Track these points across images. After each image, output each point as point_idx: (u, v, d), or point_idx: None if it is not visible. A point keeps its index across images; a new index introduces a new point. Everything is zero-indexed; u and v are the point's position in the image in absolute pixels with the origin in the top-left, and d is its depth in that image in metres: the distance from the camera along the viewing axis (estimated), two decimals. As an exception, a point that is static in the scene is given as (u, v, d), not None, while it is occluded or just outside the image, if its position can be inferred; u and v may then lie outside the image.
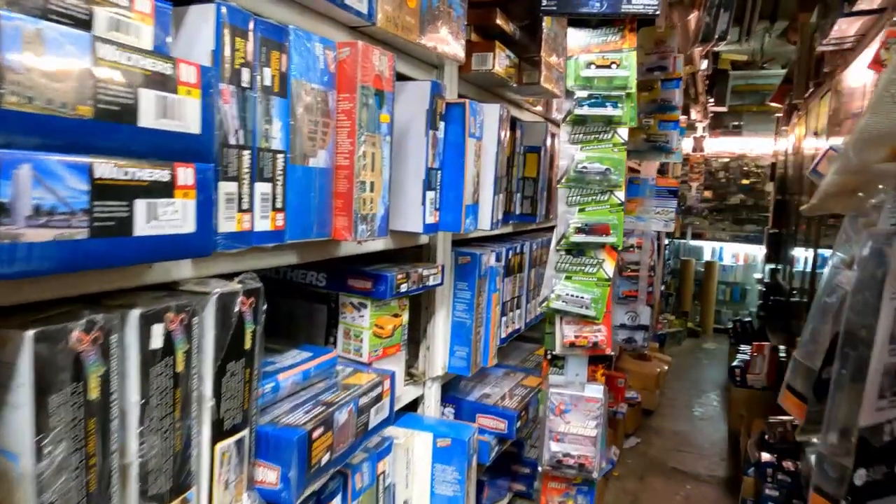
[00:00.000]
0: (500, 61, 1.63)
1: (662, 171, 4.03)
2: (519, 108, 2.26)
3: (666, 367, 5.75)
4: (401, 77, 1.32)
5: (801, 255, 5.44)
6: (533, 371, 2.16)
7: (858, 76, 3.81)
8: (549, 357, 1.66)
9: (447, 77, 1.54)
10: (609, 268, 1.56)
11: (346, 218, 1.06)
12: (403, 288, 1.34)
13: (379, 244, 1.30)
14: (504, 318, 1.99)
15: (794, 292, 5.56)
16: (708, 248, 8.83)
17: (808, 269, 4.58)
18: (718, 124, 8.66)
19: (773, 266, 7.12)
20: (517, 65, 1.79)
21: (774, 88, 7.98)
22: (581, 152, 1.54)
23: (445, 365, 1.70)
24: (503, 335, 2.00)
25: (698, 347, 7.76)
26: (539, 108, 2.47)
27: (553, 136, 2.37)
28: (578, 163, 1.53)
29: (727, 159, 8.75)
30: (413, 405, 1.67)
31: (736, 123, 8.58)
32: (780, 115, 7.43)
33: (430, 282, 1.47)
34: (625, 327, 3.13)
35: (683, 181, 8.27)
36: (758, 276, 7.97)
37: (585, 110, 1.51)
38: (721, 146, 8.67)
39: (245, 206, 0.85)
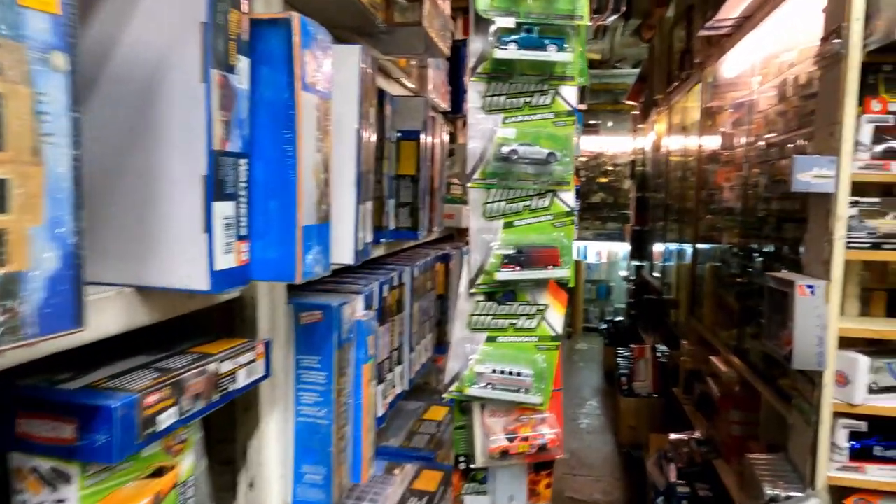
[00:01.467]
0: (356, -30, 0.95)
1: None
2: (386, 77, 1.59)
3: (549, 379, 5.41)
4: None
5: (670, 250, 5.37)
6: (429, 458, 1.48)
7: (737, 63, 3.66)
8: (462, 467, 1.00)
9: (257, -18, 0.82)
10: (556, 319, 0.94)
11: None
12: (166, 420, 0.60)
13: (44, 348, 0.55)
14: (381, 386, 1.30)
15: (666, 288, 5.49)
16: (573, 247, 8.79)
17: (685, 263, 4.44)
18: (577, 123, 8.64)
19: (638, 263, 7.15)
20: (385, -9, 1.11)
21: (628, 87, 8.12)
22: (505, 127, 0.90)
23: (287, 507, 0.98)
24: (381, 412, 1.30)
25: (572, 349, 7.62)
26: (412, 85, 1.81)
27: (433, 119, 1.72)
28: (502, 144, 0.89)
29: (586, 158, 8.78)
30: None
31: (593, 122, 8.62)
32: (636, 112, 7.52)
33: (241, 381, 0.74)
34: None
35: (547, 181, 8.11)
36: (623, 273, 8.03)
37: (512, 52, 0.87)
38: (581, 145, 8.67)
39: None
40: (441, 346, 1.86)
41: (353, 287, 1.17)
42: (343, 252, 0.94)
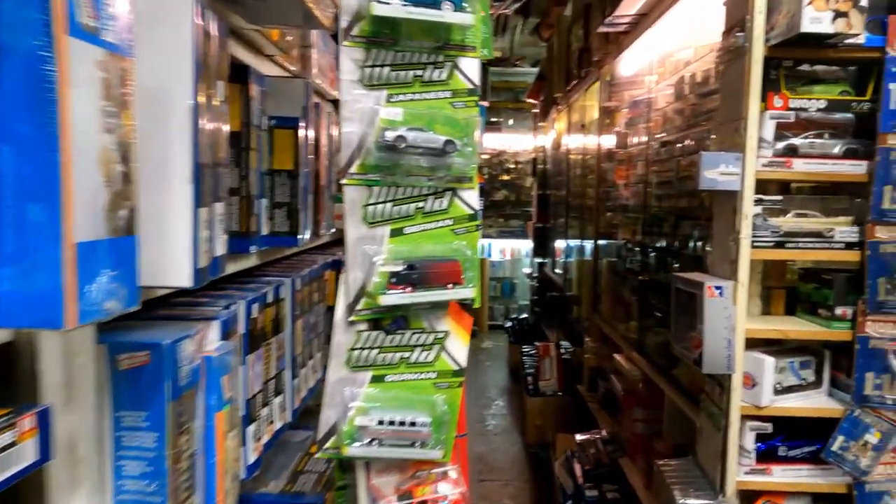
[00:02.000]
0: None
1: None
2: (258, 54, 1.34)
3: (455, 381, 5.28)
4: None
5: (571, 247, 5.43)
6: (313, 506, 1.26)
7: (635, 61, 3.69)
8: (346, 537, 0.79)
9: None
10: (459, 349, 0.75)
11: None
12: None
13: None
14: (253, 427, 1.06)
15: (568, 285, 5.54)
16: (479, 255, 8.77)
17: (586, 260, 4.48)
18: (480, 120, 8.62)
19: (541, 260, 7.22)
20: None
21: (528, 86, 8.20)
22: (390, 107, 0.70)
23: None
24: (253, 458, 1.06)
25: (478, 348, 7.58)
26: (292, 67, 1.57)
27: (317, 106, 1.51)
28: (386, 129, 0.69)
29: (489, 156, 8.79)
30: None
31: (495, 120, 8.63)
32: (537, 111, 7.60)
33: (-14, 480, 0.49)
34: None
35: (451, 178, 8.02)
36: (527, 270, 8.11)
37: (395, 8, 0.67)
38: (484, 143, 8.66)
39: None
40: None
41: (208, 310, 0.93)
42: (175, 272, 0.70)
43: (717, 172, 1.65)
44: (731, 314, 1.66)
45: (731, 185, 1.65)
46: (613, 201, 3.95)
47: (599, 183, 4.20)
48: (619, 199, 3.77)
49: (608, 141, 4.01)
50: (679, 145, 2.82)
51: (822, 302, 1.78)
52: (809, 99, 1.66)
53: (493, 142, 8.67)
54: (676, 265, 2.82)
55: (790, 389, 1.78)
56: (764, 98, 1.66)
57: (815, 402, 1.76)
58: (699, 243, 2.45)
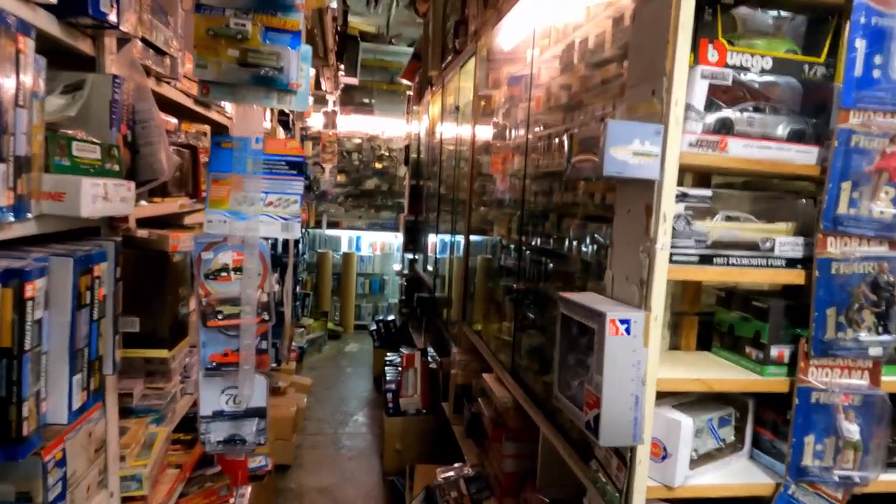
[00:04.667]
0: None
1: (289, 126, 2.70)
2: None
3: (305, 398, 4.54)
4: None
5: (444, 243, 4.90)
6: None
7: (515, 30, 3.16)
8: None
9: None
10: None
11: None
12: None
13: None
14: None
15: (439, 284, 5.01)
16: (345, 237, 8.03)
17: (458, 258, 3.95)
18: (350, 100, 7.86)
19: (411, 256, 6.66)
20: None
21: (403, 67, 7.58)
22: None
23: None
24: None
25: (340, 352, 6.86)
26: None
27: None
28: None
29: (359, 140, 8.05)
30: None
31: (367, 101, 7.91)
32: (411, 93, 6.99)
33: None
34: (223, 417, 1.69)
35: (316, 163, 7.21)
36: (396, 266, 7.50)
37: None
38: (353, 125, 7.90)
39: None
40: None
41: None
42: None
43: (628, 151, 1.11)
44: (642, 360, 1.14)
45: (647, 170, 1.12)
46: (489, 195, 3.45)
47: (473, 174, 3.67)
48: (496, 193, 3.27)
49: (483, 126, 3.49)
50: (565, 127, 2.34)
51: (749, 337, 1.31)
52: (753, 55, 1.17)
53: (365, 125, 7.95)
54: (559, 280, 2.34)
55: (708, 458, 1.30)
56: (694, 48, 1.15)
57: (741, 476, 1.30)
58: (588, 246, 1.96)
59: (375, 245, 8.05)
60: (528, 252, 2.57)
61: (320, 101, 6.97)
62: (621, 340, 1.13)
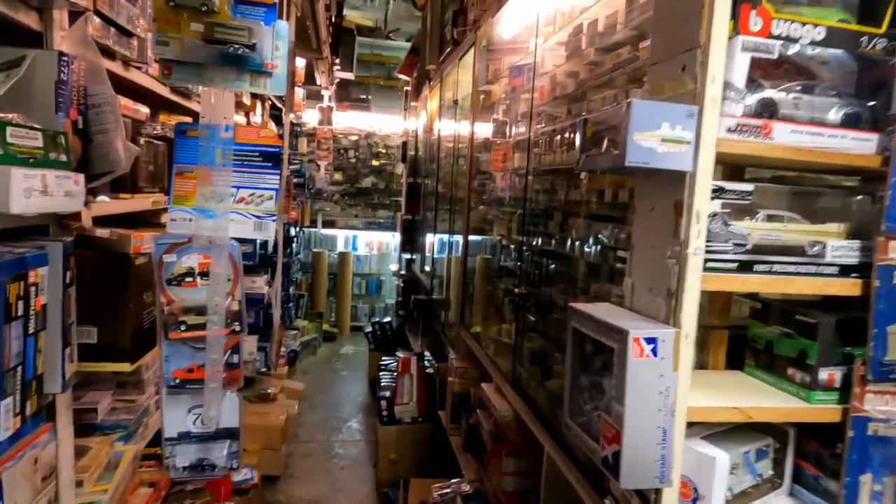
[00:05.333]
0: None
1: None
2: None
3: (296, 405, 4.36)
4: None
5: (442, 242, 4.72)
6: None
7: (517, 17, 2.96)
8: None
9: None
10: None
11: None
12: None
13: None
14: None
15: (437, 285, 4.82)
16: (341, 237, 7.83)
17: (456, 257, 3.76)
18: (346, 96, 7.67)
19: (408, 256, 6.47)
20: None
21: (400, 62, 7.39)
22: None
23: None
24: None
25: (336, 354, 6.67)
26: None
27: None
28: None
29: (356, 137, 7.86)
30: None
31: (364, 97, 7.73)
32: (409, 88, 6.81)
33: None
34: (190, 439, 1.50)
35: (311, 160, 7.03)
36: (393, 267, 7.32)
37: None
38: (350, 121, 7.71)
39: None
40: None
41: None
42: None
43: (655, 138, 0.93)
44: (671, 387, 0.95)
45: (677, 160, 0.94)
46: (488, 194, 3.27)
47: (472, 171, 3.49)
48: (497, 191, 3.09)
49: (483, 122, 3.31)
50: (570, 120, 2.16)
51: (791, 357, 1.13)
52: (804, 24, 0.99)
53: (362, 121, 7.76)
54: (563, 283, 2.15)
55: (743, 497, 1.12)
56: (733, 15, 0.96)
57: (782, 519, 1.12)
58: (592, 247, 1.78)
59: (372, 244, 7.87)
60: (529, 253, 2.39)
61: (315, 96, 6.78)
62: (647, 364, 0.94)
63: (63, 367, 1.32)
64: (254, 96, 3.70)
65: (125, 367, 1.57)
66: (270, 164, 1.41)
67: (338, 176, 7.80)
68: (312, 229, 7.67)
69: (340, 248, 7.79)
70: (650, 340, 0.94)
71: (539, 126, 2.34)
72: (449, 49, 4.22)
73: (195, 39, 1.30)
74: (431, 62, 4.94)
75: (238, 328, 1.46)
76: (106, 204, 1.59)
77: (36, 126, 1.16)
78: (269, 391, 4.07)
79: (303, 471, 3.88)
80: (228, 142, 1.39)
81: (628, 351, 0.94)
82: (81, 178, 1.27)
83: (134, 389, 1.90)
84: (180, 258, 1.39)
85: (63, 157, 1.25)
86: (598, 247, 1.60)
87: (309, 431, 4.50)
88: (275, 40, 1.36)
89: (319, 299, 7.44)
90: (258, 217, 1.40)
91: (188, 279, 1.40)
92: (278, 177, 1.40)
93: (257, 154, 1.41)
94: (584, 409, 1.12)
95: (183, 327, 1.38)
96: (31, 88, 1.28)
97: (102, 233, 1.57)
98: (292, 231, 5.74)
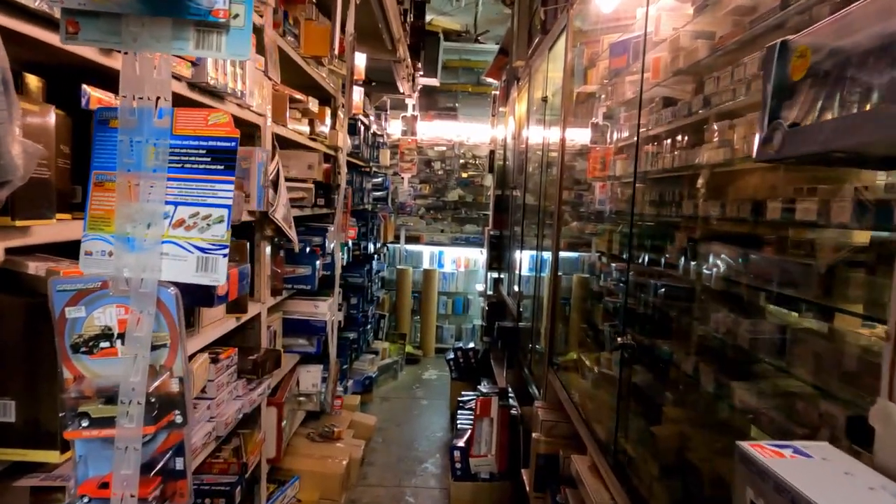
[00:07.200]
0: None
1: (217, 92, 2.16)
2: None
3: (362, 447, 3.91)
4: None
5: (527, 262, 4.11)
6: None
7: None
8: None
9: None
10: None
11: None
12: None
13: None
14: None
15: (525, 311, 4.21)
16: (427, 253, 7.41)
17: (539, 278, 3.14)
18: (432, 104, 7.27)
19: (495, 275, 5.90)
20: None
21: (489, 66, 6.89)
22: None
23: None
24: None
25: (418, 380, 6.22)
26: None
27: None
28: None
29: (443, 147, 7.43)
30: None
31: (451, 105, 7.29)
32: (497, 92, 6.28)
33: None
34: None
35: (395, 172, 6.67)
36: (479, 287, 6.78)
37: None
38: (436, 131, 7.30)
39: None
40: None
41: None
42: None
43: None
44: None
45: None
46: (587, 206, 2.65)
47: (563, 177, 2.87)
48: (593, 204, 2.47)
49: (576, 120, 2.70)
50: (703, 98, 1.51)
51: None
52: None
53: (449, 131, 7.32)
54: (699, 349, 1.50)
55: None
56: None
57: None
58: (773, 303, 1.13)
59: (459, 261, 7.37)
60: (641, 294, 1.76)
61: (399, 105, 6.43)
62: None
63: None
64: (322, 102, 3.31)
65: (53, 455, 1.13)
66: (222, 167, 0.91)
67: (424, 188, 7.40)
68: (396, 245, 7.31)
69: (426, 265, 7.37)
70: None
71: (653, 104, 1.71)
72: (538, 40, 3.65)
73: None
74: (519, 58, 4.38)
75: (179, 419, 0.96)
76: (40, 228, 1.17)
77: None
78: (334, 429, 3.65)
79: (365, 527, 3.41)
80: (164, 133, 0.90)
81: None
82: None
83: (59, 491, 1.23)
84: (91, 312, 0.92)
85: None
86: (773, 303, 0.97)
87: (379, 473, 4.03)
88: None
89: (403, 319, 7.04)
90: (203, 250, 0.90)
91: (104, 344, 0.93)
92: (232, 186, 0.89)
93: (204, 151, 0.91)
94: None
95: (85, 422, 0.90)
96: None
97: (33, 268, 1.14)
98: (370, 248, 5.36)
